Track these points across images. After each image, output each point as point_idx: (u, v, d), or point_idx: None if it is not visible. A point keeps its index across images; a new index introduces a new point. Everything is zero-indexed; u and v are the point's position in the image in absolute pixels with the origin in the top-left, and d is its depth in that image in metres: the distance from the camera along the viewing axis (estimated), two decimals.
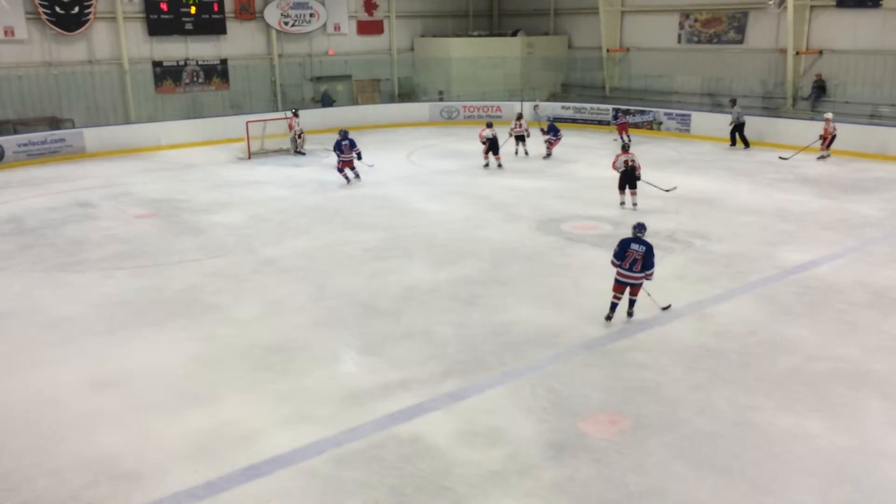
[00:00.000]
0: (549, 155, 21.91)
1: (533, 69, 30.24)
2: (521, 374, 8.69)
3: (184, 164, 21.48)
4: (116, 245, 13.75)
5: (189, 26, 25.41)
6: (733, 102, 23.46)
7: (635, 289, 9.90)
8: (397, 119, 27.94)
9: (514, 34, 31.34)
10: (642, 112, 26.34)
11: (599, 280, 11.69)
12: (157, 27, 24.82)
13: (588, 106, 27.83)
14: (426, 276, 11.99)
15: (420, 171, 20.44)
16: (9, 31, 22.08)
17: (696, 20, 26.96)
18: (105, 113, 24.20)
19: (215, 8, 25.80)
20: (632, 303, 10.06)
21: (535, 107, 27.64)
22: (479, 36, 31.61)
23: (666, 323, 10.09)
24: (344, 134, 18.22)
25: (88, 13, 23.30)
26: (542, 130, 22.19)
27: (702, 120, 25.06)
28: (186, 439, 7.39)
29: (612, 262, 9.95)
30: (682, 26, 27.37)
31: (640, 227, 9.86)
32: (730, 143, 23.22)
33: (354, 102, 29.14)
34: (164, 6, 24.75)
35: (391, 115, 27.58)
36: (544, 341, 9.52)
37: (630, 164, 15.57)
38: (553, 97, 30.24)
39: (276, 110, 26.19)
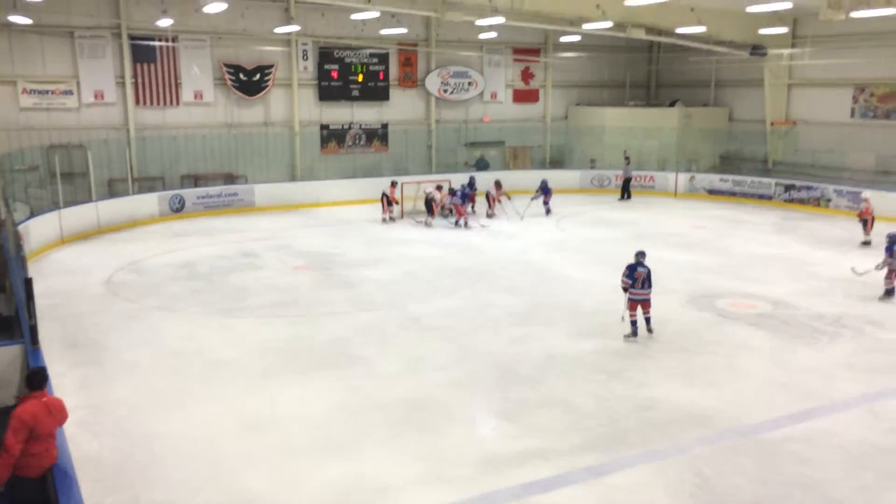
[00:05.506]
0: (458, 221, 21.61)
1: (690, 140, 29.53)
2: (667, 454, 8.25)
3: (341, 221, 22.55)
4: (275, 294, 14.55)
5: (356, 93, 27.10)
6: (627, 160, 26.87)
7: (646, 305, 11.98)
8: None
9: (672, 104, 30.87)
10: (808, 188, 24.93)
11: (756, 361, 11.06)
12: (327, 93, 26.64)
13: (749, 179, 26.69)
14: (569, 344, 11.78)
15: (568, 238, 20.31)
16: (198, 95, 24.44)
17: (871, 94, 25.42)
18: (274, 170, 26.02)
19: (381, 76, 27.39)
20: (647, 320, 12.06)
21: (692, 178, 26.97)
22: (636, 106, 31.40)
23: (830, 415, 9.31)
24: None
25: (268, 80, 25.40)
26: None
27: (876, 199, 23.26)
28: (326, 487, 7.55)
29: (624, 282, 11.99)
30: (855, 100, 25.90)
31: (641, 254, 12.07)
32: (620, 195, 26.44)
33: (506, 168, 29.62)
34: (334, 74, 26.56)
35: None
36: (692, 422, 9.02)
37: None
38: (711, 169, 29.29)
39: (431, 173, 27.05)
